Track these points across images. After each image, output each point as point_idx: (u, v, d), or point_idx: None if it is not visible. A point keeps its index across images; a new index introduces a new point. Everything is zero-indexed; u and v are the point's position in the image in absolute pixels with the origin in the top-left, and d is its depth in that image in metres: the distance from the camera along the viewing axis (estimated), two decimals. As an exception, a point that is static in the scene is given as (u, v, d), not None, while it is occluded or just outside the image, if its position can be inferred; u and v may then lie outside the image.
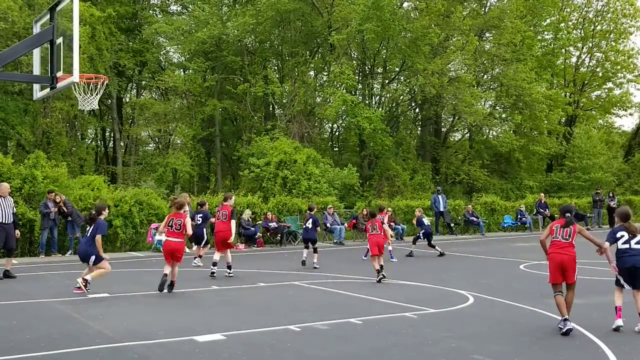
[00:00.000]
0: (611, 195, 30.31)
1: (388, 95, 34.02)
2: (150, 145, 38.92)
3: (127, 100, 36.00)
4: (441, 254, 17.74)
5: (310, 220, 15.10)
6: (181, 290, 11.39)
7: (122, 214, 18.95)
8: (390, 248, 16.38)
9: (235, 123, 34.23)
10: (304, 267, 14.85)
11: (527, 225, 27.67)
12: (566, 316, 8.11)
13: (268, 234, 21.10)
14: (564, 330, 8.00)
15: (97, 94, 11.07)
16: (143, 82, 34.55)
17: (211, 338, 7.68)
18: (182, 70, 34.27)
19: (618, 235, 8.69)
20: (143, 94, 36.77)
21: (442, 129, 36.69)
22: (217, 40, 29.72)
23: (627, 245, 8.51)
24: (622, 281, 8.53)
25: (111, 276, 12.23)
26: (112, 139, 34.89)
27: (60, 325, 8.51)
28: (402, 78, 33.39)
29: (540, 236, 9.03)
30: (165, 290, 11.09)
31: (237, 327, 8.31)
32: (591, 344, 7.54)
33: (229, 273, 13.15)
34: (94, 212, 11.25)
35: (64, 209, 17.82)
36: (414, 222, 19.39)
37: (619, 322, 8.21)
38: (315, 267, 14.58)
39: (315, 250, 15.06)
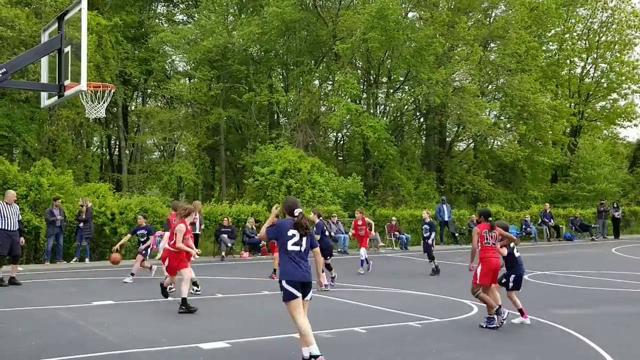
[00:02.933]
0: (616, 206, 30.26)
1: (392, 105, 34.06)
2: (156, 153, 39.02)
3: (133, 108, 36.14)
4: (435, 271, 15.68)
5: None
6: (195, 297, 11.39)
7: (127, 221, 19.00)
8: (365, 256, 15.76)
9: (240, 131, 34.32)
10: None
11: (532, 235, 27.62)
12: (499, 304, 8.89)
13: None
14: (504, 317, 8.75)
15: (104, 102, 11.16)
16: (149, 91, 34.70)
17: (216, 346, 7.71)
18: (187, 78, 34.42)
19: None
20: (149, 102, 36.92)
21: (447, 139, 36.70)
22: (223, 49, 29.85)
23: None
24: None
25: (115, 284, 12.28)
26: (117, 146, 35.00)
27: (66, 332, 8.54)
28: (406, 87, 33.44)
29: (473, 244, 9.61)
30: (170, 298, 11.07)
31: (241, 335, 8.33)
32: (595, 354, 7.52)
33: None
34: None
35: (84, 215, 17.93)
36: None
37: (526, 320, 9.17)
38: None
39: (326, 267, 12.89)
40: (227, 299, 11.74)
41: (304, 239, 6.90)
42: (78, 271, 15.91)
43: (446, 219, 25.56)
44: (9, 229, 13.02)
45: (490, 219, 9.45)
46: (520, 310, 9.23)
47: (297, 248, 6.85)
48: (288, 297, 6.75)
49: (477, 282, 9.15)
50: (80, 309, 10.37)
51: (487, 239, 9.26)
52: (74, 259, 18.13)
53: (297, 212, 6.93)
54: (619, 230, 30.03)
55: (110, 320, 9.39)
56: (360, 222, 16.38)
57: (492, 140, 35.71)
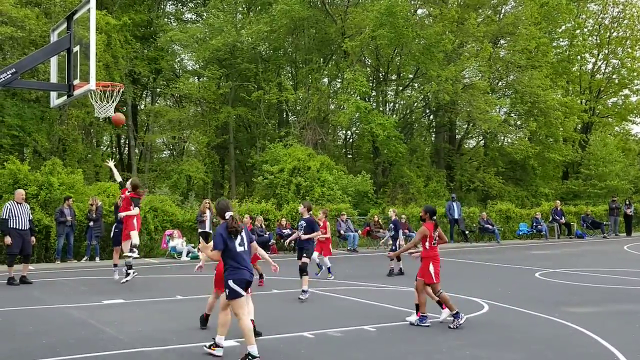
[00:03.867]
0: (628, 203, 30.02)
1: (402, 102, 33.98)
2: (165, 152, 39.13)
3: (142, 107, 36.26)
4: (393, 273, 14.79)
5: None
6: (195, 296, 11.42)
7: (137, 220, 19.03)
8: (328, 264, 14.22)
9: (249, 130, 34.35)
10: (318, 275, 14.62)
11: (543, 233, 27.46)
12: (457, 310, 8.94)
13: (282, 240, 21.11)
14: (461, 322, 8.78)
15: (113, 102, 11.18)
16: (158, 90, 34.78)
17: (226, 344, 7.69)
18: (196, 77, 34.47)
19: None
20: (158, 101, 37.01)
21: (457, 136, 36.55)
22: (232, 47, 29.87)
23: None
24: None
25: (126, 282, 12.31)
26: (127, 146, 35.12)
27: (76, 330, 8.57)
28: (415, 85, 33.34)
29: (409, 240, 9.90)
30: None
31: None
32: (607, 353, 7.45)
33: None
34: None
35: (94, 214, 18.01)
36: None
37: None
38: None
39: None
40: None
41: (245, 238, 7.24)
42: (89, 270, 15.98)
43: (456, 216, 25.46)
44: (20, 228, 13.10)
45: (435, 217, 9.52)
46: (438, 303, 9.37)
47: (242, 248, 7.18)
48: (233, 295, 7.03)
49: (435, 280, 9.19)
50: (91, 307, 10.41)
51: (434, 238, 9.32)
52: (85, 258, 18.21)
53: (227, 215, 7.20)
54: (631, 228, 29.80)
55: (121, 319, 9.41)
56: (321, 224, 13.54)
57: (502, 138, 35.55)
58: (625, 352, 7.33)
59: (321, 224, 13.60)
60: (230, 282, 7.04)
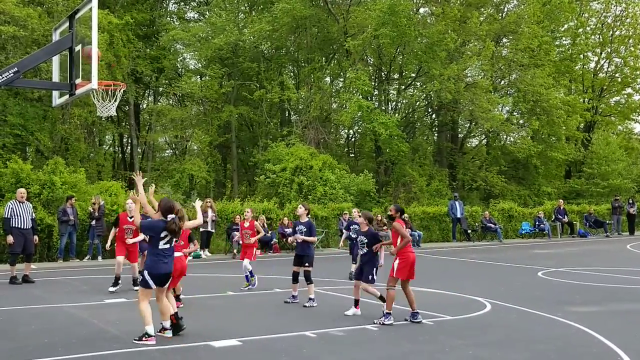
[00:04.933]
0: (631, 202, 29.99)
1: (404, 101, 33.93)
2: (167, 151, 39.13)
3: (145, 106, 36.27)
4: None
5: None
6: (197, 295, 11.42)
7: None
8: (249, 269, 12.46)
9: (252, 129, 34.34)
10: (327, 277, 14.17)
11: (545, 232, 27.43)
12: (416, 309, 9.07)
13: (284, 239, 21.10)
14: (386, 323, 8.84)
15: (115, 101, 11.18)
16: (160, 89, 34.79)
17: (227, 344, 7.69)
18: (198, 76, 34.48)
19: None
20: (160, 100, 37.03)
21: (459, 135, 36.51)
22: (234, 46, 29.87)
23: None
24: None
25: (128, 281, 12.31)
26: (129, 145, 35.14)
27: (78, 330, 8.57)
28: (418, 84, 33.30)
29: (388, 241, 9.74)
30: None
31: (253, 332, 8.31)
32: (610, 352, 7.43)
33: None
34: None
35: (96, 213, 18.03)
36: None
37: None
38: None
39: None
40: (238, 296, 11.72)
41: (174, 239, 7.92)
42: (91, 269, 15.99)
43: (458, 215, 25.45)
44: (22, 227, 13.10)
45: (404, 215, 9.52)
46: (381, 297, 9.43)
47: (167, 246, 7.86)
48: (144, 285, 7.85)
49: (394, 275, 9.18)
50: (93, 306, 10.41)
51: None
52: (87, 257, 18.22)
53: (169, 217, 7.79)
54: (634, 227, 29.76)
55: (123, 318, 9.41)
56: (247, 225, 12.42)
57: (504, 136, 35.49)
58: (629, 352, 7.31)
59: (247, 224, 12.36)
60: (145, 273, 7.82)
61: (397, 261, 9.17)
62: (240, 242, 12.79)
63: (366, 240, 9.63)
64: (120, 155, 36.68)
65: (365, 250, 9.63)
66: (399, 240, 9.19)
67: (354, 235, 13.13)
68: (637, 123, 40.76)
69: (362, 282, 9.54)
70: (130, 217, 10.84)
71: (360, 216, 10.93)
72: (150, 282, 7.80)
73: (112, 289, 11.93)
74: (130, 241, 11.67)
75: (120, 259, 11.92)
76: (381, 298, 9.41)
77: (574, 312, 9.85)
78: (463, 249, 22.42)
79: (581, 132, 36.29)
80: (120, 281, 12.06)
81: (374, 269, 9.66)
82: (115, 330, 8.44)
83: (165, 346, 7.58)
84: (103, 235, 18.35)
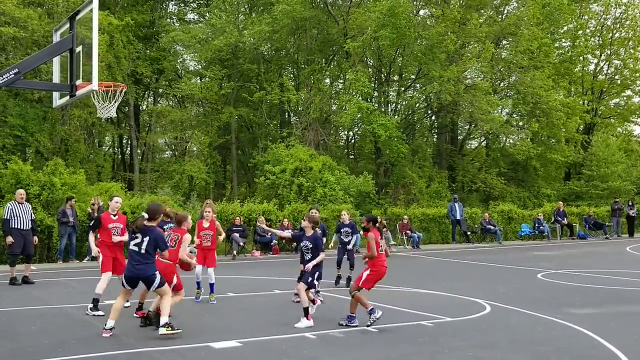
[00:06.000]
0: (630, 204, 30.01)
1: (404, 103, 33.97)
2: (167, 152, 39.17)
3: (144, 107, 36.30)
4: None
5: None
6: (193, 297, 11.40)
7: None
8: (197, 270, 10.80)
9: (251, 130, 34.37)
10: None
11: (544, 234, 27.44)
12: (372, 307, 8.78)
13: (284, 241, 21.11)
14: (377, 317, 8.68)
15: (115, 102, 11.18)
16: (160, 90, 34.83)
17: (227, 345, 7.70)
18: (198, 77, 34.51)
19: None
20: (160, 101, 37.06)
21: (459, 137, 36.54)
22: (234, 48, 29.90)
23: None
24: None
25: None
26: (129, 146, 35.17)
27: (78, 331, 8.57)
28: (417, 85, 33.33)
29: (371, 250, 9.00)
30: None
31: (252, 334, 8.31)
32: (610, 355, 7.44)
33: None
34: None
35: (96, 214, 18.00)
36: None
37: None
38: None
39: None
40: (238, 298, 11.73)
41: (145, 242, 8.03)
42: (90, 270, 15.96)
43: (458, 217, 25.46)
44: (21, 228, 13.11)
45: (378, 224, 9.14)
46: (306, 309, 8.95)
47: (135, 248, 8.10)
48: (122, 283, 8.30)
49: (360, 284, 8.90)
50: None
51: (381, 245, 9.04)
52: (87, 258, 18.20)
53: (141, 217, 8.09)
54: (633, 229, 29.78)
55: (122, 319, 9.40)
56: (207, 225, 11.07)
57: (504, 138, 35.51)
58: (628, 354, 7.32)
59: (207, 225, 11.07)
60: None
61: (367, 272, 8.93)
62: (208, 244, 11.03)
63: (310, 246, 9.14)
64: (119, 157, 36.69)
65: (309, 256, 9.11)
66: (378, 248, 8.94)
67: (345, 239, 13.08)
68: (637, 125, 40.85)
69: (301, 283, 9.04)
70: (114, 216, 10.37)
71: (345, 217, 10.88)
72: (123, 281, 8.29)
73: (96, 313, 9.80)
74: (117, 239, 10.25)
75: (108, 275, 10.10)
76: (305, 310, 8.88)
77: (573, 314, 9.86)
78: (462, 251, 22.42)
79: (581, 134, 36.33)
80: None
81: (316, 273, 9.08)
82: (115, 331, 8.44)
83: (164, 347, 7.59)
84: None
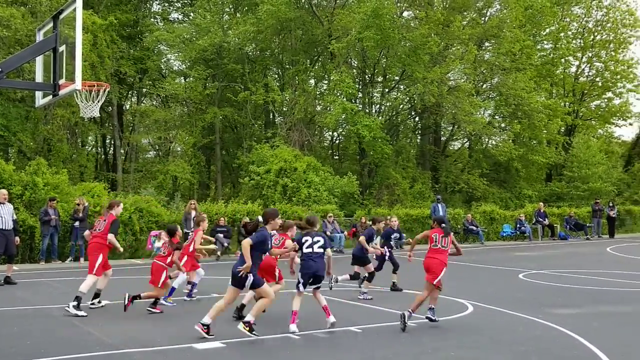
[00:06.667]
0: (611, 205, 30.38)
1: (388, 104, 34.11)
2: (151, 152, 38.96)
3: (128, 107, 36.09)
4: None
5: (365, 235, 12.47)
6: (181, 297, 11.39)
7: (122, 221, 18.93)
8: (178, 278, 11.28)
9: (236, 131, 34.31)
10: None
11: (526, 234, 27.70)
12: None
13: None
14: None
15: (98, 102, 11.13)
16: (144, 90, 34.66)
17: (210, 346, 7.70)
18: (182, 77, 34.38)
19: (302, 240, 9.02)
20: (144, 101, 36.87)
21: (442, 138, 36.78)
22: (218, 48, 29.83)
23: (310, 250, 8.89)
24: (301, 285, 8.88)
25: (111, 283, 12.24)
26: (112, 146, 34.95)
27: (61, 331, 8.53)
28: (401, 87, 33.50)
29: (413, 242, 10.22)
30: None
31: (236, 335, 8.29)
32: (591, 355, 7.55)
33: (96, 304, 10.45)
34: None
35: (80, 214, 17.90)
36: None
37: (293, 327, 8.49)
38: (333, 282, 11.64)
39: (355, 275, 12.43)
40: (222, 298, 11.69)
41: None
42: (73, 271, 15.86)
43: (441, 218, 25.59)
44: (3, 228, 12.99)
45: (444, 225, 9.68)
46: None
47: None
48: None
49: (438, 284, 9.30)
50: (76, 308, 10.33)
51: (435, 241, 9.63)
52: (69, 259, 18.09)
53: None
54: (614, 230, 30.14)
55: (105, 320, 9.38)
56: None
57: (486, 140, 35.80)
58: (609, 354, 7.41)
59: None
60: None
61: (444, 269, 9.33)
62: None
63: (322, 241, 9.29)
64: (103, 157, 36.45)
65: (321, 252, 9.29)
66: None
67: (392, 244, 13.42)
68: (617, 127, 41.32)
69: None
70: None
71: (395, 223, 11.68)
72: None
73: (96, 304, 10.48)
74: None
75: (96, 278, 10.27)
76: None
77: (555, 314, 9.98)
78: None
79: (562, 136, 36.71)
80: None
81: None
82: (98, 333, 8.42)
83: (147, 348, 7.58)
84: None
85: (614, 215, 30.02)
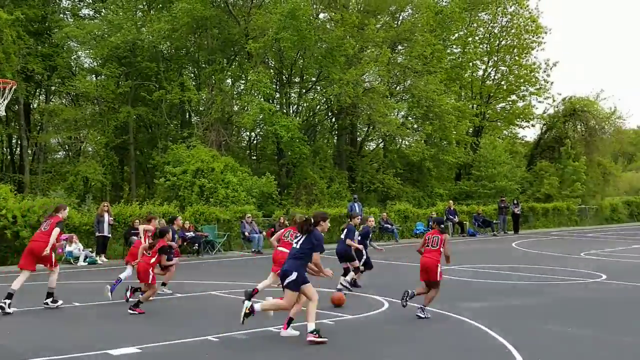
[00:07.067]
0: (515, 202, 31.90)
1: (305, 104, 34.38)
2: (60, 153, 37.46)
3: (36, 106, 34.54)
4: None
5: (345, 231, 12.88)
6: (94, 302, 11.11)
7: (31, 224, 18.17)
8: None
9: (151, 130, 33.56)
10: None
11: (438, 231, 28.58)
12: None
13: (185, 243, 20.81)
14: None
15: (4, 100, 10.73)
16: (53, 88, 33.26)
17: (126, 351, 7.56)
18: (94, 75, 33.27)
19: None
20: (52, 99, 35.39)
21: (358, 139, 37.43)
22: (131, 45, 29.09)
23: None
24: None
25: (21, 290, 11.76)
26: (19, 146, 33.38)
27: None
28: (318, 87, 33.85)
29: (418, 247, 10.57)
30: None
31: (152, 339, 8.19)
32: (500, 346, 7.91)
33: (50, 302, 10.76)
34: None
35: None
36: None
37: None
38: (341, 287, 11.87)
39: (346, 272, 12.56)
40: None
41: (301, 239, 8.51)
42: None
43: (358, 217, 26.04)
44: None
45: (442, 225, 10.84)
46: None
47: (297, 246, 8.60)
48: None
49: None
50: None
51: (430, 242, 10.36)
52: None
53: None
54: (518, 226, 31.64)
55: (17, 328, 9.02)
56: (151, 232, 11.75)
57: (400, 140, 36.73)
58: (518, 346, 7.77)
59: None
60: None
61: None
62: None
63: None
64: (9, 157, 34.73)
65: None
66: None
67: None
68: (521, 128, 43.34)
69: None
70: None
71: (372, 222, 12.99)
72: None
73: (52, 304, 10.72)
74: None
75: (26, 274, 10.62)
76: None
77: (465, 308, 10.43)
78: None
79: (470, 137, 38.15)
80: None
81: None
82: (5, 341, 8.10)
83: (61, 356, 7.36)
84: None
85: (518, 212, 31.55)
